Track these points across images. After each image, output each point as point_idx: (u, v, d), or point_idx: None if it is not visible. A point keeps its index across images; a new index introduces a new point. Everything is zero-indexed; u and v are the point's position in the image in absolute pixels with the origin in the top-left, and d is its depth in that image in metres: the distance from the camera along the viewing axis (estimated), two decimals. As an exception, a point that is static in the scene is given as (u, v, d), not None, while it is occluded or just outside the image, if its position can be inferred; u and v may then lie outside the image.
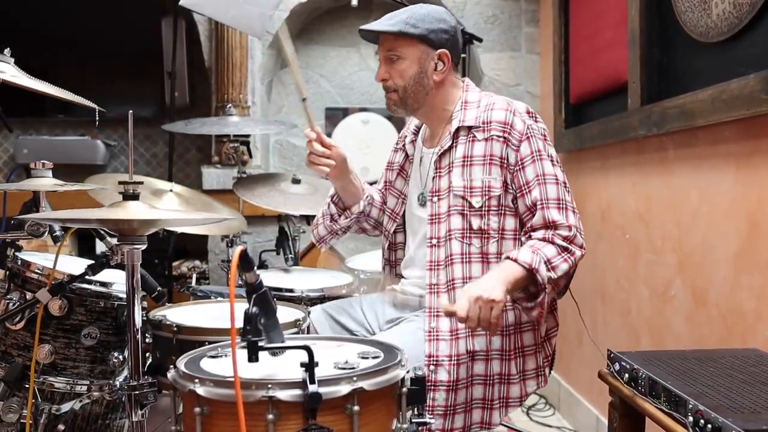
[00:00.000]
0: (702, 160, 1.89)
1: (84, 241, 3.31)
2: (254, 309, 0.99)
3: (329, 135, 3.81)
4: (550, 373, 1.77)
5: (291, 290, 2.23)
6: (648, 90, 2.17)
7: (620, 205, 2.46)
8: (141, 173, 3.86)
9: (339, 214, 1.90)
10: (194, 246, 3.55)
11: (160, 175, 3.76)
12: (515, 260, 1.53)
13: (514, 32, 3.61)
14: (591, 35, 2.69)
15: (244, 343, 1.02)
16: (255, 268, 1.01)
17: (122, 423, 1.85)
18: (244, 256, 0.97)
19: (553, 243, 1.58)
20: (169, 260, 3.18)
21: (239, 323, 1.01)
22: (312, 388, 0.98)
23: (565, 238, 1.59)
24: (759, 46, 1.63)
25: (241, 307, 1.06)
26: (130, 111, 1.37)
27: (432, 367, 1.59)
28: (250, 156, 3.22)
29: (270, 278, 2.41)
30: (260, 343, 1.00)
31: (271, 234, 3.51)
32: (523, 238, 1.65)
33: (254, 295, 1.01)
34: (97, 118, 1.75)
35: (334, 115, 3.85)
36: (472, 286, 1.51)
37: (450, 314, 1.50)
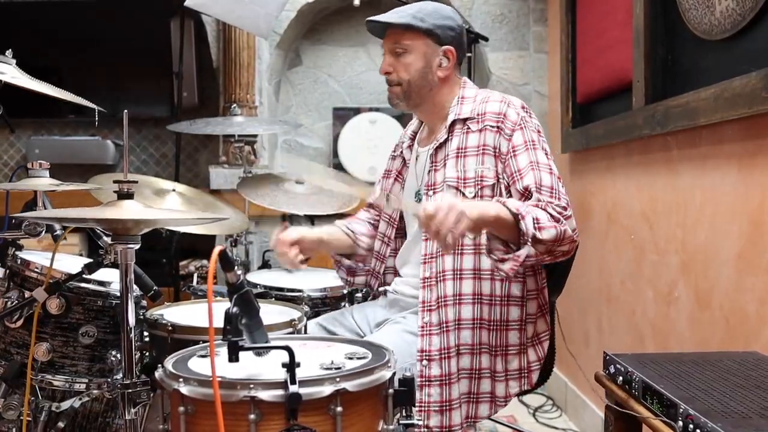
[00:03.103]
0: (705, 160, 1.86)
1: (93, 240, 3.34)
2: (235, 309, 0.99)
3: (337, 135, 3.82)
4: (546, 377, 1.76)
5: (293, 290, 2.23)
6: (652, 89, 2.14)
7: (625, 206, 2.43)
8: (150, 173, 3.90)
9: (353, 268, 1.91)
10: (202, 246, 3.56)
11: (168, 174, 3.78)
12: (503, 204, 1.50)
13: (522, 31, 3.58)
14: (597, 34, 2.67)
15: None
16: (235, 267, 1.01)
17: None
18: (223, 256, 0.97)
19: (545, 210, 1.53)
20: (176, 260, 3.20)
21: (221, 323, 1.01)
22: (292, 388, 0.98)
23: (558, 212, 1.54)
24: (761, 44, 1.60)
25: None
26: (125, 111, 1.38)
27: (425, 362, 1.59)
28: (255, 156, 3.23)
29: (272, 278, 2.42)
30: (241, 343, 0.99)
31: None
32: None
33: (235, 295, 1.01)
34: (97, 118, 1.77)
35: (345, 115, 3.85)
36: (452, 198, 1.45)
37: (418, 212, 1.43)
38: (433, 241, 1.49)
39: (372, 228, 1.95)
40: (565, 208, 1.56)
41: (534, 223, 1.49)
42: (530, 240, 1.48)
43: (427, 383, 1.58)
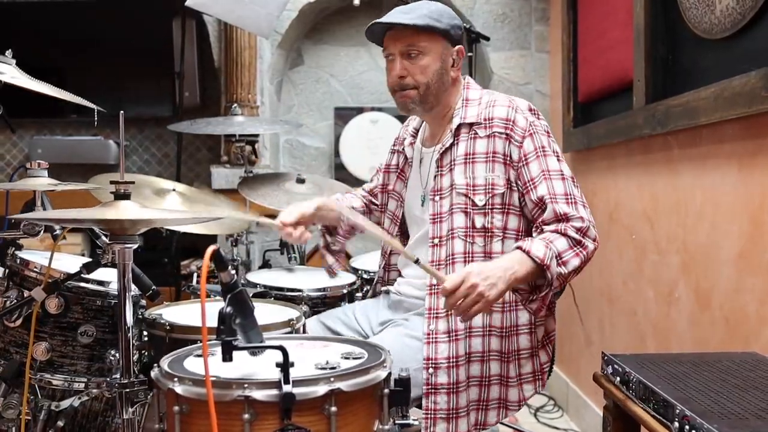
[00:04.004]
0: (706, 160, 1.86)
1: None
2: (228, 309, 0.99)
3: (339, 135, 3.82)
4: (548, 376, 1.75)
5: (292, 289, 2.23)
6: (653, 88, 2.14)
7: (627, 205, 2.42)
8: (153, 173, 3.91)
9: (332, 240, 1.90)
10: (204, 245, 3.56)
11: (170, 174, 3.79)
12: (527, 252, 1.49)
13: (524, 30, 3.58)
14: (599, 33, 2.66)
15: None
16: (229, 267, 1.01)
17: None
18: (216, 256, 0.97)
19: (566, 235, 1.53)
20: (178, 259, 3.21)
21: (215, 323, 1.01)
22: (286, 388, 0.98)
23: (578, 230, 1.54)
24: (761, 43, 1.60)
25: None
26: (121, 112, 1.38)
27: (431, 370, 1.57)
28: (256, 155, 3.23)
29: (272, 277, 2.42)
30: (235, 343, 0.99)
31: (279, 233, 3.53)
32: (534, 234, 1.60)
33: (229, 295, 1.01)
34: (96, 118, 1.77)
35: (347, 114, 3.85)
36: (477, 268, 1.46)
37: (439, 281, 1.47)
38: (451, 312, 1.53)
39: (365, 207, 1.96)
40: (582, 219, 1.56)
41: (557, 261, 1.50)
42: (555, 280, 1.50)
43: (433, 391, 1.56)
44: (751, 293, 1.63)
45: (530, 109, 1.66)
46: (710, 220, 1.83)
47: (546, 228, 1.56)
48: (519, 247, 1.51)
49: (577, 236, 1.54)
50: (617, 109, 2.46)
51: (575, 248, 1.53)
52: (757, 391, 1.17)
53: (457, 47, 1.68)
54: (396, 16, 1.64)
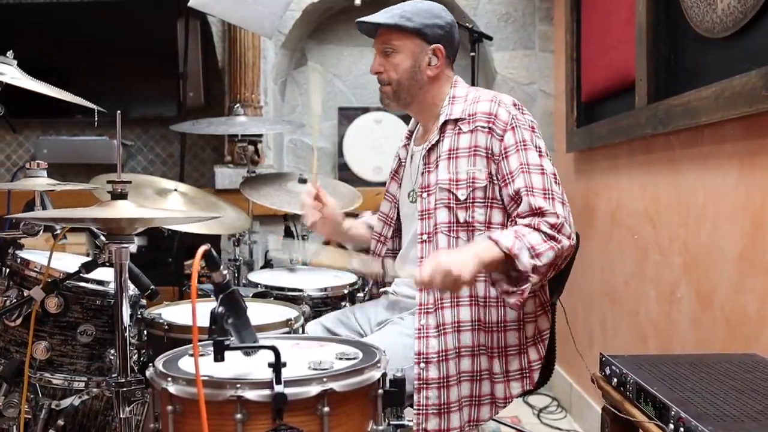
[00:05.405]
0: (707, 160, 1.84)
1: (99, 239, 3.36)
2: (221, 309, 0.99)
3: (342, 135, 3.82)
4: (549, 376, 1.74)
5: (293, 289, 2.24)
6: (655, 87, 2.12)
7: (629, 206, 2.41)
8: (157, 173, 3.92)
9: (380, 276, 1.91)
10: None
11: (174, 174, 3.80)
12: (496, 242, 1.49)
13: (528, 30, 3.56)
14: (602, 33, 2.65)
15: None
16: (221, 267, 1.01)
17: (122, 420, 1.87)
18: (208, 255, 0.97)
19: (538, 230, 1.52)
20: (181, 259, 3.21)
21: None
22: (278, 388, 0.98)
23: (552, 226, 1.53)
24: (762, 42, 1.58)
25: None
26: (119, 112, 1.38)
27: (423, 365, 1.57)
28: (259, 155, 3.24)
29: (273, 277, 2.42)
30: (226, 343, 0.99)
31: (281, 233, 3.53)
32: (509, 226, 1.60)
33: (221, 295, 1.01)
34: (96, 119, 1.78)
35: (350, 114, 3.85)
36: (444, 256, 1.47)
37: (413, 277, 1.50)
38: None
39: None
40: (557, 216, 1.54)
41: (530, 253, 1.49)
42: (530, 273, 1.49)
43: (424, 386, 1.56)
44: (753, 294, 1.62)
45: (514, 104, 1.66)
46: (712, 221, 1.81)
47: (520, 221, 1.56)
48: (489, 237, 1.52)
49: (550, 231, 1.53)
50: (619, 109, 2.45)
51: (549, 242, 1.52)
52: (755, 393, 1.16)
53: (433, 46, 1.69)
54: (375, 14, 1.71)
